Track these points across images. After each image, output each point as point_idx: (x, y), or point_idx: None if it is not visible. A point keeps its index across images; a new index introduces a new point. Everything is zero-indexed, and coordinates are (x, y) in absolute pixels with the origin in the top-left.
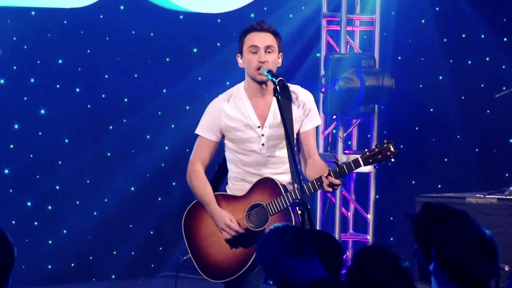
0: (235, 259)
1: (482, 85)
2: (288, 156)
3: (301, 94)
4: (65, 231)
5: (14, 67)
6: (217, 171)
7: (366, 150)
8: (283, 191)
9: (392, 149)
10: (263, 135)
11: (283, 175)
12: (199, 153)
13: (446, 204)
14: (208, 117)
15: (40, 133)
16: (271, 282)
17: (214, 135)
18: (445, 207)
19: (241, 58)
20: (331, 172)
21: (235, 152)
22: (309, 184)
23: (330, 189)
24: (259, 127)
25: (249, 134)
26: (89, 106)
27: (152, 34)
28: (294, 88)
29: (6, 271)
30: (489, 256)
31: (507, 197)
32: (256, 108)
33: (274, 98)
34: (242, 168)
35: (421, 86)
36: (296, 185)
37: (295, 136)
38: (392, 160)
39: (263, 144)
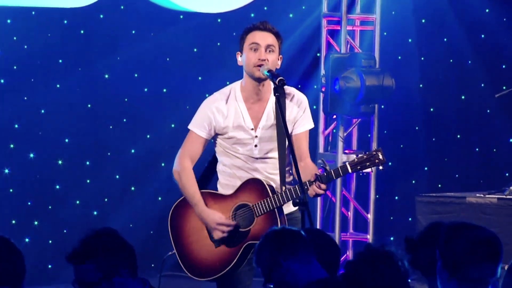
0: (219, 258)
1: (482, 85)
2: (280, 157)
3: (296, 97)
4: (65, 231)
5: (14, 67)
6: (207, 168)
7: (354, 156)
8: (270, 193)
9: (380, 157)
10: (256, 136)
11: (274, 176)
12: (190, 148)
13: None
14: (203, 114)
15: (40, 133)
16: (271, 286)
17: (207, 133)
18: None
19: (240, 56)
20: (319, 177)
21: (228, 150)
22: (297, 188)
23: (315, 194)
24: (252, 129)
25: (243, 135)
26: (89, 106)
27: (152, 34)
28: (290, 90)
29: (20, 280)
30: (489, 255)
31: (507, 196)
32: (251, 110)
33: (269, 100)
34: (234, 167)
35: (421, 86)
36: (284, 188)
37: (281, 138)
38: (380, 168)
39: (255, 146)
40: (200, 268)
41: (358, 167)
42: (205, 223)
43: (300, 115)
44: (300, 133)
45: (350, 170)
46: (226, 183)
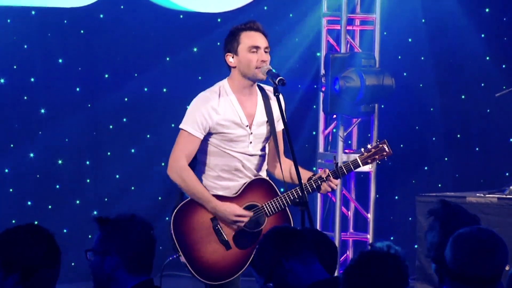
0: (232, 260)
1: (482, 85)
2: (273, 154)
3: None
4: (65, 231)
5: (14, 67)
6: None
7: (362, 149)
8: (278, 191)
9: (386, 149)
10: (251, 133)
11: (263, 173)
12: (184, 148)
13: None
14: (198, 113)
15: (40, 133)
16: (271, 285)
17: (201, 133)
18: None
19: (232, 57)
20: (330, 173)
21: (221, 148)
22: (307, 185)
23: (330, 189)
24: (247, 126)
25: (239, 132)
26: (89, 105)
27: (152, 34)
28: (269, 88)
29: (57, 272)
30: (490, 255)
31: (507, 196)
32: (244, 107)
33: (258, 98)
34: (226, 166)
35: (421, 85)
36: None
37: (270, 135)
38: (385, 159)
39: (250, 142)
40: (214, 272)
41: (368, 160)
42: (222, 217)
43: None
44: (280, 130)
45: (361, 164)
46: (215, 186)
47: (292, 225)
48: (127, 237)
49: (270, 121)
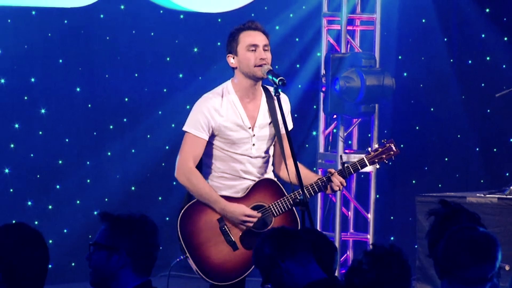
0: (239, 261)
1: (483, 85)
2: (273, 156)
3: (283, 97)
4: (65, 231)
5: (14, 67)
6: None
7: (369, 149)
8: (285, 192)
9: (394, 148)
10: (254, 135)
11: (268, 175)
12: (190, 151)
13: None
14: (200, 114)
15: (40, 133)
16: (269, 286)
17: (206, 133)
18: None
19: (233, 58)
20: (336, 173)
21: (224, 150)
22: (314, 185)
23: (337, 189)
24: (250, 128)
25: (241, 134)
26: (89, 105)
27: (152, 34)
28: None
29: (44, 272)
30: (481, 255)
31: (508, 196)
32: (247, 109)
33: (262, 99)
34: (229, 166)
35: (421, 85)
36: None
37: (274, 137)
38: (393, 158)
39: (253, 145)
40: (221, 273)
41: (375, 160)
42: (231, 217)
43: (287, 115)
44: (285, 133)
45: (368, 164)
46: (219, 186)
47: (299, 225)
48: (139, 238)
49: (274, 122)
